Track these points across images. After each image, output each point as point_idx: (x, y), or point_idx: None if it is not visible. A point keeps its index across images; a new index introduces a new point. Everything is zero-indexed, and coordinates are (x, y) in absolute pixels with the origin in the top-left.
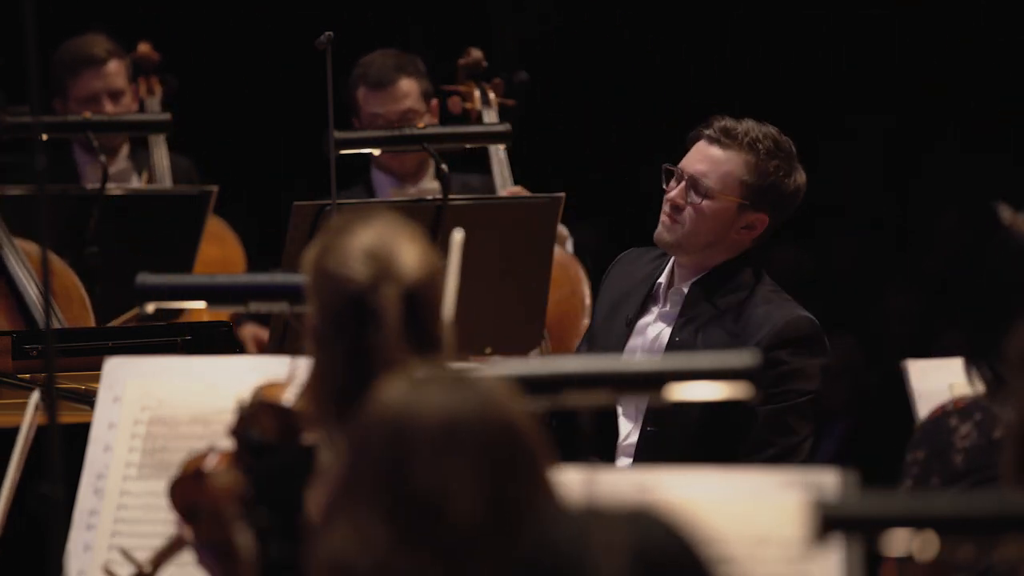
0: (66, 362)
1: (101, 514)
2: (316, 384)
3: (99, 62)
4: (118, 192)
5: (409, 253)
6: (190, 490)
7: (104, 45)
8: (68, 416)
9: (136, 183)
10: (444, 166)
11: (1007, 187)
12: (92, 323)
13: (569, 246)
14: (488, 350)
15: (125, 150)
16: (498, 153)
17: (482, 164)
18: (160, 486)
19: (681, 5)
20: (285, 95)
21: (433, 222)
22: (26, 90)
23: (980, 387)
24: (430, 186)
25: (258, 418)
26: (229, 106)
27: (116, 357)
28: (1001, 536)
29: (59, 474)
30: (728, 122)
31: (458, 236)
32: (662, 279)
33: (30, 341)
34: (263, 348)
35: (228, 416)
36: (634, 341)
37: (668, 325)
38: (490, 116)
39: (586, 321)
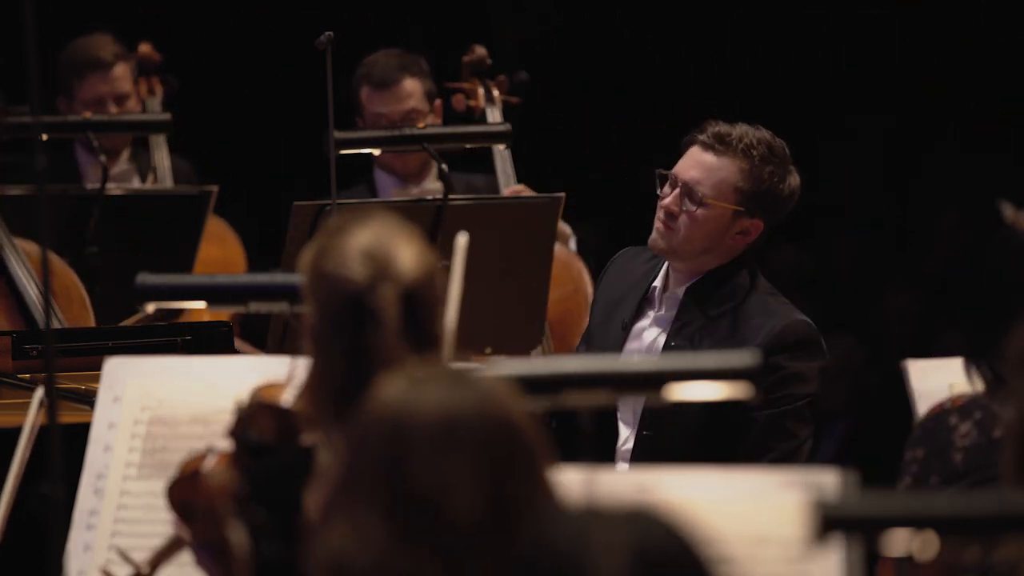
0: (66, 362)
1: (101, 514)
2: (315, 384)
3: (106, 66)
4: (118, 192)
5: (407, 253)
6: (187, 490)
7: (111, 48)
8: (68, 416)
9: (137, 185)
10: (444, 166)
11: (1007, 187)
12: (92, 323)
13: (572, 244)
14: (488, 350)
15: (127, 152)
16: (501, 152)
17: (486, 163)
18: (160, 486)
19: (681, 5)
20: (285, 95)
21: (433, 222)
22: (26, 90)
23: (979, 386)
24: (433, 186)
25: (256, 419)
26: (229, 106)
27: (116, 357)
28: (1001, 536)
29: (59, 474)
30: (722, 127)
31: (462, 240)
32: (657, 283)
33: (30, 341)
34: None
35: (228, 416)
36: (630, 345)
37: (664, 330)
38: (494, 114)
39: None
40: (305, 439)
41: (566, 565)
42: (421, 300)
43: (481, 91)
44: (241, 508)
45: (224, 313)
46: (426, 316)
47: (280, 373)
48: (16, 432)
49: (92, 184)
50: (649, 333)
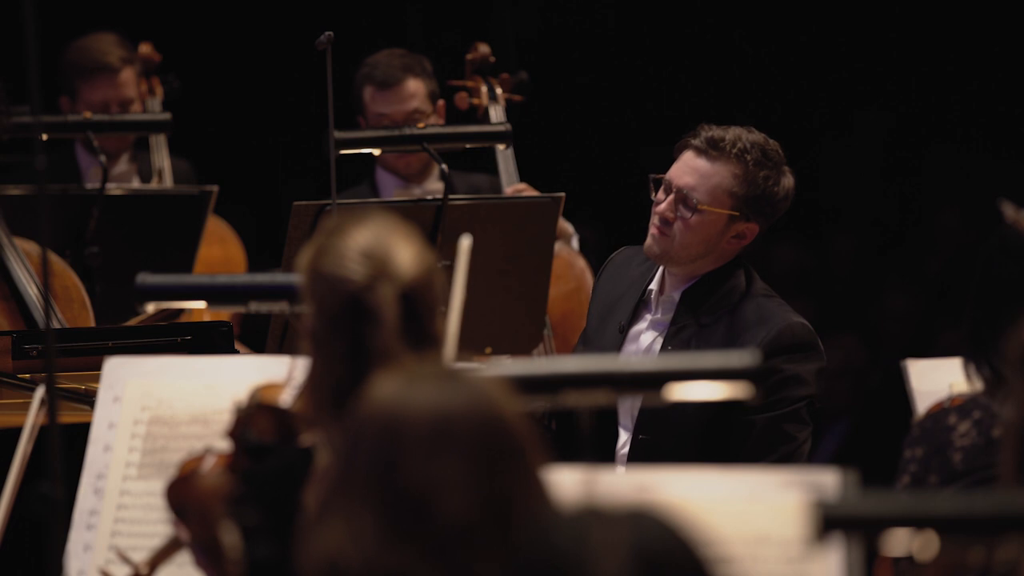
0: (66, 362)
1: (101, 514)
2: (313, 384)
3: (114, 71)
4: (118, 192)
5: (405, 252)
6: (182, 491)
7: (117, 52)
8: (68, 416)
9: (137, 185)
10: (444, 166)
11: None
12: (92, 323)
13: (575, 243)
14: (488, 350)
15: (127, 153)
16: (504, 152)
17: (489, 163)
18: (160, 486)
19: (683, 3)
20: (285, 95)
21: (433, 222)
22: (26, 90)
23: (979, 385)
24: (435, 187)
25: (255, 419)
26: (229, 106)
27: (116, 357)
28: (1001, 536)
29: (59, 474)
30: (715, 132)
31: (466, 242)
32: (653, 286)
33: (30, 341)
34: None
35: (227, 416)
36: (628, 348)
37: (660, 334)
38: (497, 112)
39: None
40: (304, 439)
41: (566, 565)
42: (420, 300)
43: (484, 89)
44: (234, 510)
45: (224, 313)
46: (425, 315)
47: (280, 373)
48: (16, 432)
49: (92, 184)
50: (646, 337)
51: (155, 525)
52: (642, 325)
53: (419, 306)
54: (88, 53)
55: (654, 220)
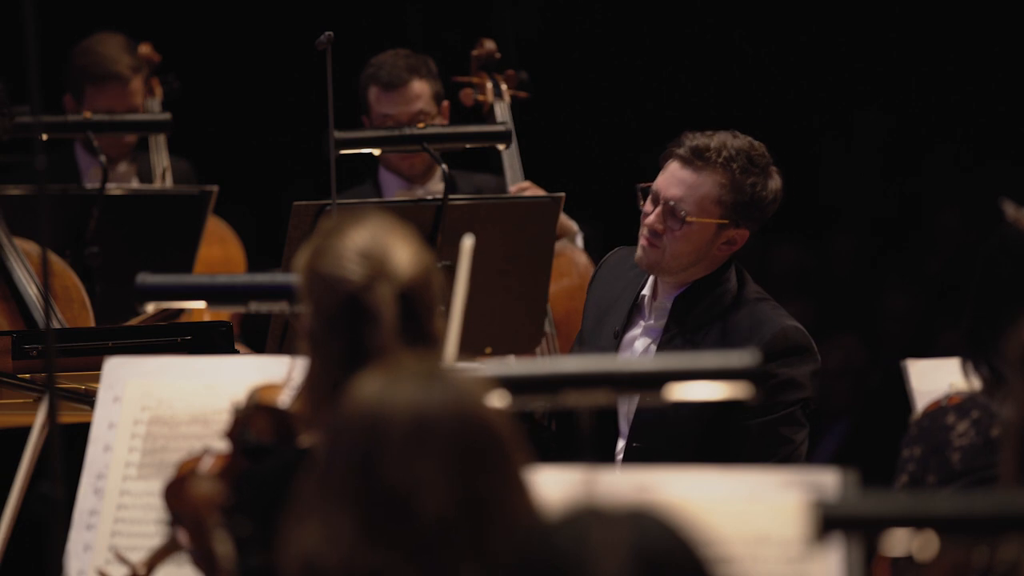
0: (66, 362)
1: (101, 514)
2: (312, 385)
3: (124, 80)
4: (118, 192)
5: (403, 252)
6: (177, 496)
7: (128, 61)
8: (68, 416)
9: (137, 185)
10: (444, 166)
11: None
12: (92, 323)
13: (579, 241)
14: (488, 350)
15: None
16: (509, 151)
17: (495, 163)
18: (160, 486)
19: (683, 3)
20: (285, 95)
21: (433, 222)
22: (26, 90)
23: (976, 384)
24: (438, 188)
25: (254, 420)
26: (229, 106)
27: (116, 357)
28: (1001, 536)
29: (59, 474)
30: (699, 140)
31: (468, 243)
32: (646, 291)
33: (30, 341)
34: None
35: (227, 416)
36: (622, 354)
37: (654, 340)
38: (502, 108)
39: None
40: (302, 440)
41: (566, 565)
42: (418, 299)
43: (490, 85)
44: (228, 518)
45: (224, 313)
46: (423, 315)
47: (279, 373)
48: (16, 432)
49: (92, 184)
50: (640, 343)
51: (155, 525)
52: (636, 331)
53: (417, 306)
54: (99, 59)
55: (643, 232)
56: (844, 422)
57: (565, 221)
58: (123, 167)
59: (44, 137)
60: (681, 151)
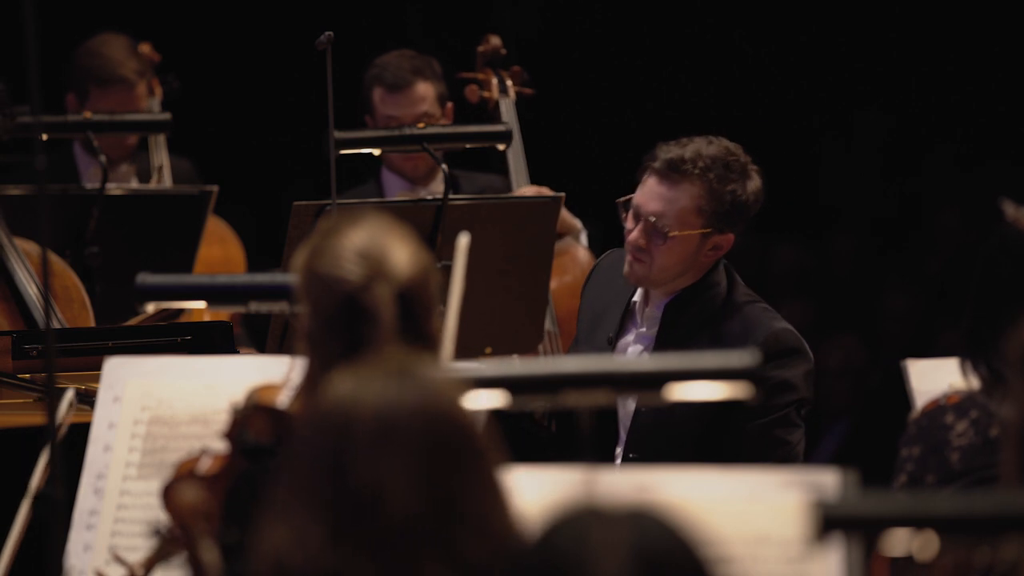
0: (66, 362)
1: (101, 514)
2: (310, 385)
3: (130, 85)
4: (118, 192)
5: (401, 252)
6: (168, 504)
7: (133, 64)
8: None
9: (137, 185)
10: (445, 166)
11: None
12: (92, 323)
13: (583, 238)
14: (488, 350)
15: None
16: (514, 151)
17: (501, 163)
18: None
19: (683, 3)
20: (285, 95)
21: (433, 222)
22: (26, 90)
23: (976, 383)
24: (441, 189)
25: (252, 420)
26: (229, 106)
27: (116, 357)
28: (1001, 536)
29: (59, 474)
30: (674, 152)
31: (464, 240)
32: (637, 297)
33: (30, 341)
34: None
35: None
36: None
37: (646, 347)
38: (507, 105)
39: None
40: None
41: (566, 565)
42: (416, 299)
43: (495, 81)
44: (216, 526)
45: (224, 313)
46: (422, 315)
47: (279, 373)
48: (16, 432)
49: (92, 184)
50: (633, 350)
51: (149, 525)
52: (629, 337)
53: (415, 306)
54: (105, 62)
55: (628, 248)
56: (844, 422)
57: (569, 219)
58: (123, 167)
59: (44, 137)
60: (657, 165)
